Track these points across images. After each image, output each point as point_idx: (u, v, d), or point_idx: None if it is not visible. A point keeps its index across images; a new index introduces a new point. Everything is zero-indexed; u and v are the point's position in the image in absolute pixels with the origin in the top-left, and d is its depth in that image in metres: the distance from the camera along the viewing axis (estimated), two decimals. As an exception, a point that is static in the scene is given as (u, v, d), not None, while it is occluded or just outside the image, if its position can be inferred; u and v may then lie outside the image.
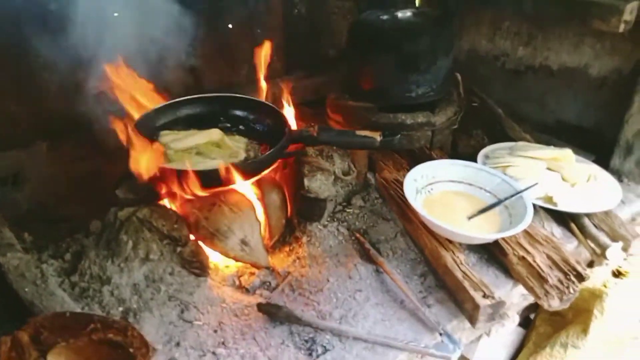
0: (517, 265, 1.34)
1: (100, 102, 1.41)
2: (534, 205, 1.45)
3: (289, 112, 1.65)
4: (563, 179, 1.62)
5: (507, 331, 1.51)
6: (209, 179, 1.31)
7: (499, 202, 1.47)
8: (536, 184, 1.52)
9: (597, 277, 1.51)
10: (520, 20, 1.99)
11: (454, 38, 1.80)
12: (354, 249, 1.45)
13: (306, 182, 1.48)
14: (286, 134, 1.44)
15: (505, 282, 1.36)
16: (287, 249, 1.47)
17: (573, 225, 1.53)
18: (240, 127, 1.58)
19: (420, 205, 1.44)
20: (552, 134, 1.96)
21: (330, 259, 1.42)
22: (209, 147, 1.45)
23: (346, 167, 1.60)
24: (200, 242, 1.35)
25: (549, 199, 1.54)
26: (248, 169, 1.36)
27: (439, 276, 1.35)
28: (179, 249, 1.31)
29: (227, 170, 1.29)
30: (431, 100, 1.71)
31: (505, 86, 2.10)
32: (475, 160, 1.65)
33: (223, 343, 1.17)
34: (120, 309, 1.21)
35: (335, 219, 1.53)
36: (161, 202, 1.38)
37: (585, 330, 1.45)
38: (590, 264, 1.52)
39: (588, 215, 1.52)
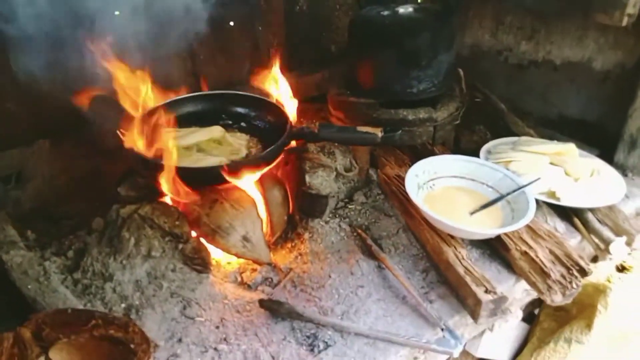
0: (520, 260, 1.33)
1: (101, 102, 1.41)
2: (537, 200, 1.44)
3: (290, 109, 1.65)
4: (566, 174, 1.60)
5: (511, 326, 1.50)
6: (210, 176, 1.31)
7: (501, 198, 1.46)
8: (539, 179, 1.51)
9: (601, 272, 1.51)
10: (523, 14, 1.98)
11: (456, 33, 1.79)
12: (355, 245, 1.45)
13: (308, 178, 1.48)
14: (287, 130, 1.44)
15: (507, 277, 1.36)
16: (289, 245, 1.47)
17: (576, 220, 1.52)
18: (242, 124, 1.59)
19: (422, 200, 1.43)
20: (555, 128, 1.95)
21: (332, 255, 1.42)
22: (210, 144, 1.46)
23: (348, 164, 1.60)
24: (202, 239, 1.35)
25: (552, 194, 1.53)
26: (249, 166, 1.35)
27: (440, 272, 1.35)
28: (180, 245, 1.31)
29: (229, 167, 1.29)
30: (433, 95, 1.70)
31: (508, 81, 2.09)
32: (478, 156, 1.64)
33: (225, 339, 1.17)
34: (123, 305, 1.22)
35: (337, 215, 1.53)
36: (162, 199, 1.39)
37: (589, 326, 1.45)
38: (594, 259, 1.51)
39: (591, 210, 1.51)
